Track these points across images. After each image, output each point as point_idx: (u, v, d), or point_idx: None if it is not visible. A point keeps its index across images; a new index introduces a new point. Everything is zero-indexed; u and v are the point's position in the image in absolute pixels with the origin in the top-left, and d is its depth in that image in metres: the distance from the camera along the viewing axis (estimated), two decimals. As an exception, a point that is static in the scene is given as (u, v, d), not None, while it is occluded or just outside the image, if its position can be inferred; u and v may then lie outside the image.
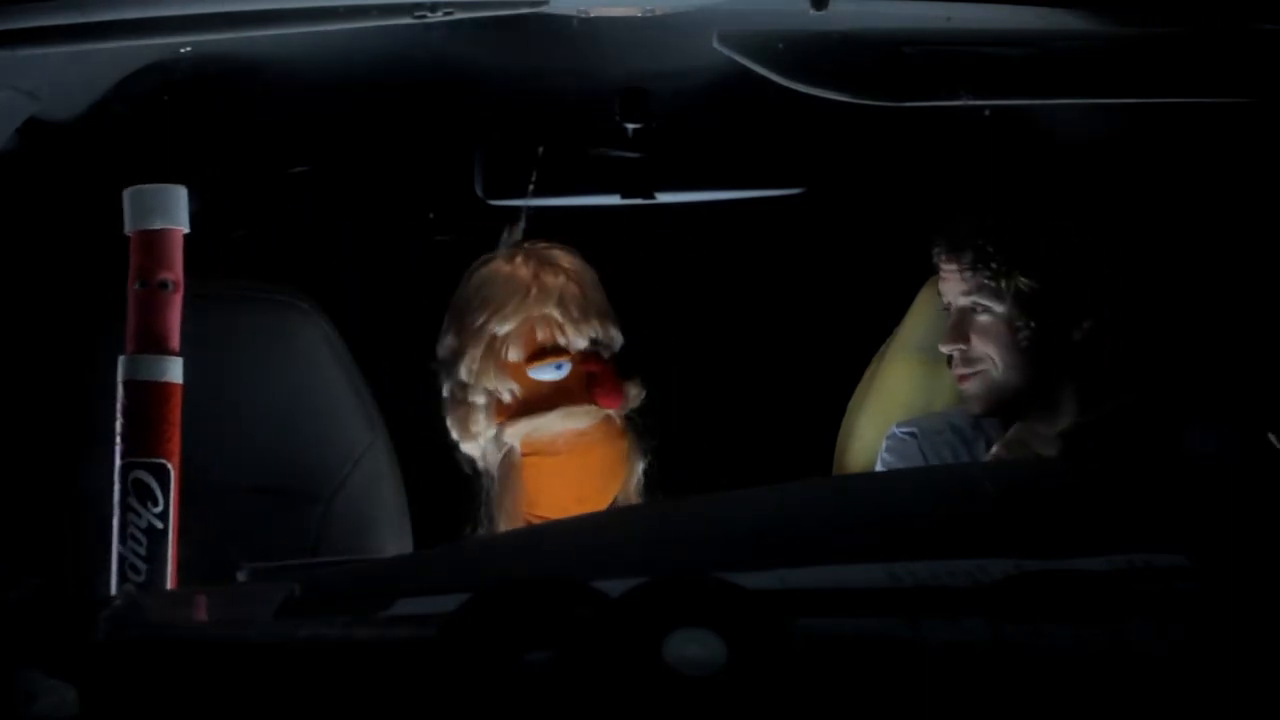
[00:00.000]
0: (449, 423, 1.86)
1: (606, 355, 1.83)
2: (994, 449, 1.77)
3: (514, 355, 1.78)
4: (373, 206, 2.41)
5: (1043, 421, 1.74)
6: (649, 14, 1.45)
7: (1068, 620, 0.77)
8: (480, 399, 1.80)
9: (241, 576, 1.06)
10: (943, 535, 0.90)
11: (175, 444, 1.31)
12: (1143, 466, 1.14)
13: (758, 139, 2.11)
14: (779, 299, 2.44)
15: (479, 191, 2.14)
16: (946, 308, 1.80)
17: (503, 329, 1.78)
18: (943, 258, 1.79)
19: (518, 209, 1.94)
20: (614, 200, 2.06)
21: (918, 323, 1.94)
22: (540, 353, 1.78)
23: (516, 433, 1.79)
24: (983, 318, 1.75)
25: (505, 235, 1.88)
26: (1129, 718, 0.73)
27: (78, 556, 1.74)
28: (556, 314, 1.78)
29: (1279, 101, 1.43)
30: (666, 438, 1.87)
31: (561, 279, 1.81)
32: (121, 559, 1.27)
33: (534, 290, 1.79)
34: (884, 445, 1.88)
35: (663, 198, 2.08)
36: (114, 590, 1.29)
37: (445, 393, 1.85)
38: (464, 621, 0.72)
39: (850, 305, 2.24)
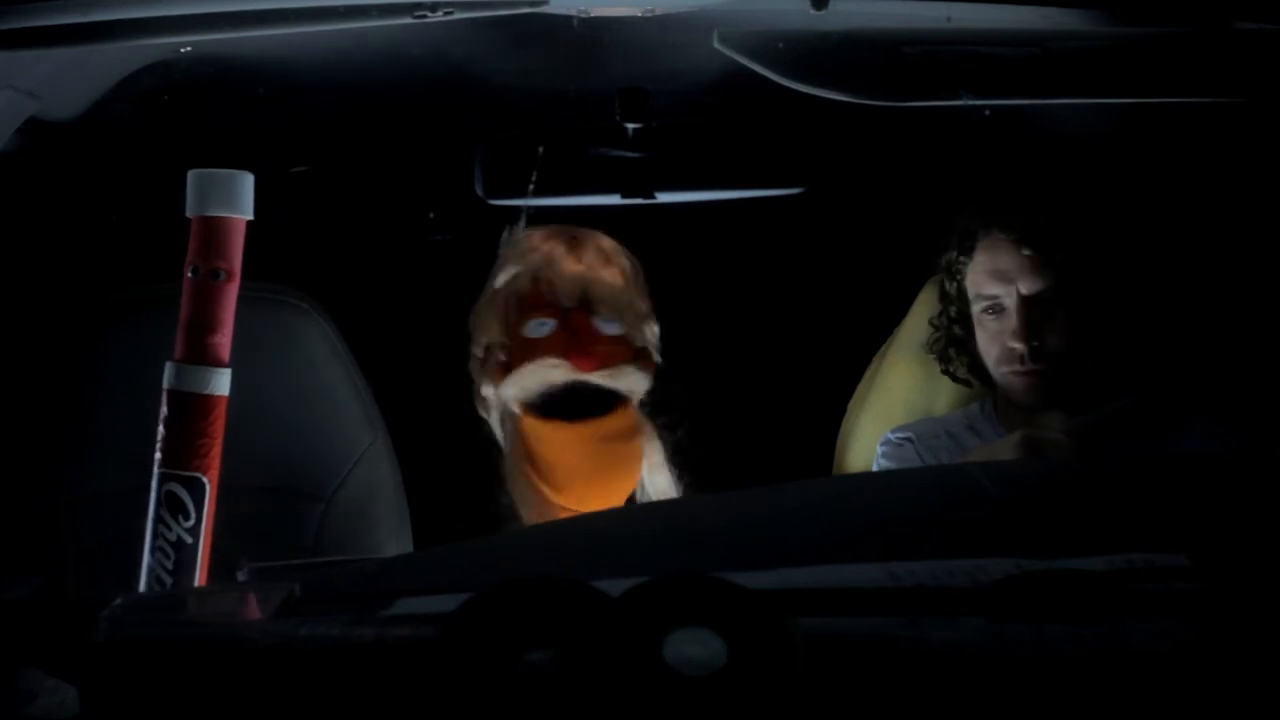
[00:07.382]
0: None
1: (618, 333, 1.73)
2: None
3: (512, 312, 1.72)
4: (373, 206, 2.41)
5: (1051, 420, 1.72)
6: (649, 14, 1.45)
7: (1068, 620, 0.77)
8: (480, 353, 1.74)
9: (241, 576, 1.06)
10: (943, 535, 0.90)
11: (214, 457, 1.27)
12: (1143, 466, 1.14)
13: (758, 139, 2.11)
14: (779, 299, 2.44)
15: (479, 191, 2.14)
16: (992, 305, 1.77)
17: (500, 282, 1.73)
18: (1009, 246, 1.75)
19: (517, 209, 1.94)
20: (614, 200, 2.06)
21: (918, 323, 1.93)
22: (530, 308, 1.71)
23: (508, 392, 1.71)
24: (1059, 307, 1.73)
25: (505, 235, 1.87)
26: (1129, 718, 0.73)
27: (78, 557, 1.75)
28: (547, 272, 1.71)
29: (1277, 102, 1.43)
30: (696, 441, 1.84)
31: (591, 252, 1.73)
32: (150, 570, 1.25)
33: (541, 249, 1.73)
34: (879, 451, 1.87)
35: (663, 198, 2.07)
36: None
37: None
38: (464, 621, 0.72)
39: (850, 305, 2.25)
